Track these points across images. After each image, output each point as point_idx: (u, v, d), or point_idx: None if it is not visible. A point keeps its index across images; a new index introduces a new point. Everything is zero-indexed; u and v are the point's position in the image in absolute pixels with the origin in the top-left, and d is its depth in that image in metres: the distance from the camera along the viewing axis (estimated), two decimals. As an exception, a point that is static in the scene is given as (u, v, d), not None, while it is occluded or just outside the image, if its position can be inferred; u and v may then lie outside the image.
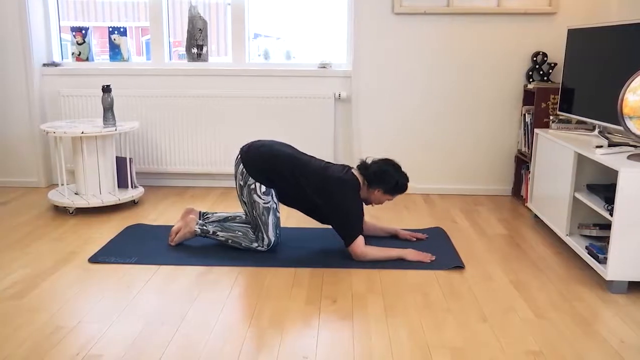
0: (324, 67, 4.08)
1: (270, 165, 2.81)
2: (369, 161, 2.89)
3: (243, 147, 2.92)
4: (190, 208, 3.05)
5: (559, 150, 3.07)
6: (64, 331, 2.10)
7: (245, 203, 2.85)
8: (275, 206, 2.84)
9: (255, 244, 2.87)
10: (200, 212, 3.13)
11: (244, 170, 2.82)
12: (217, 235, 2.91)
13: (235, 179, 2.88)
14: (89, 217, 3.48)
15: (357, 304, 2.35)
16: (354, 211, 2.77)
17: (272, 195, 2.82)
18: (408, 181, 2.89)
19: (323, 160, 2.94)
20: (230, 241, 2.90)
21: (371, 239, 3.05)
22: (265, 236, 2.85)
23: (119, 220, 3.40)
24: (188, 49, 4.17)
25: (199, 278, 2.60)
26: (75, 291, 2.45)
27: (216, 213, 3.15)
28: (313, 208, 2.86)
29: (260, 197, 2.80)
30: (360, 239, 2.75)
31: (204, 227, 2.93)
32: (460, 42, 3.92)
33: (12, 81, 4.11)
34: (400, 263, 2.76)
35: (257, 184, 2.80)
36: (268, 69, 4.09)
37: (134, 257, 2.82)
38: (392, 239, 3.11)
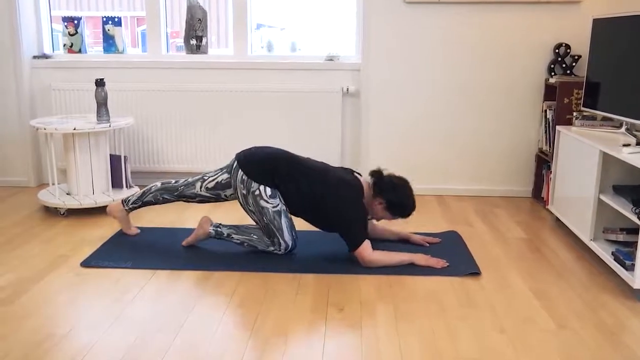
0: (332, 60, 4.08)
1: (270, 165, 2.83)
2: (385, 172, 2.93)
3: (239, 155, 2.94)
4: (206, 217, 3.05)
5: (583, 149, 3.06)
6: (56, 338, 2.12)
7: (252, 212, 2.86)
8: (285, 208, 2.86)
9: (271, 248, 2.90)
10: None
11: (244, 177, 2.83)
12: (232, 237, 2.95)
13: (236, 190, 2.88)
14: (81, 219, 3.50)
15: (366, 312, 2.36)
16: (357, 215, 2.78)
17: (279, 197, 2.84)
18: (414, 208, 2.92)
19: (322, 162, 2.98)
20: (246, 244, 2.94)
21: (380, 244, 3.05)
22: (281, 241, 2.87)
23: (113, 223, 3.42)
24: (186, 40, 4.19)
25: (197, 283, 2.61)
26: (67, 297, 2.47)
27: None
28: (316, 212, 2.86)
29: (267, 202, 2.81)
30: (367, 244, 2.76)
31: (218, 229, 2.96)
32: (477, 33, 3.91)
33: (0, 75, 4.14)
34: (412, 268, 2.77)
35: (262, 188, 2.81)
36: (272, 61, 4.10)
37: (128, 262, 2.84)
38: (403, 243, 3.12)
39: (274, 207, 2.82)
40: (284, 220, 2.85)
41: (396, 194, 2.87)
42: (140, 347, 2.08)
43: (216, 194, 2.98)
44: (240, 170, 2.86)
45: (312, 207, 2.85)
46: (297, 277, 2.70)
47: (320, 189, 2.80)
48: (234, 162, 2.92)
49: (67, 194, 3.68)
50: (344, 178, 2.85)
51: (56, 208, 3.58)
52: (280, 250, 2.90)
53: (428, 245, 3.10)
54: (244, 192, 2.84)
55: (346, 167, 3.05)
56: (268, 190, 2.82)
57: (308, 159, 2.96)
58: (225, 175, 2.94)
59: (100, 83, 3.58)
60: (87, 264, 2.81)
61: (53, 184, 3.77)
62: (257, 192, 2.81)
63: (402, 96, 4.03)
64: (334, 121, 4.06)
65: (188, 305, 2.40)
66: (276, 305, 2.41)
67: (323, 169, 2.88)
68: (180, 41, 4.36)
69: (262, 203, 2.81)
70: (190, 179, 3.04)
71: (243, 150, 2.97)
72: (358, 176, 2.94)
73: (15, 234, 3.24)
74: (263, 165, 2.84)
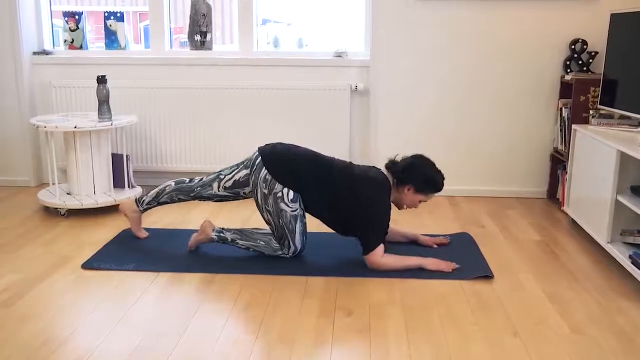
0: (340, 56, 4.08)
1: (295, 168, 2.82)
2: (398, 159, 2.92)
3: (263, 150, 2.90)
4: (207, 221, 3.04)
5: (600, 149, 3.05)
6: (56, 343, 2.13)
7: (269, 212, 2.85)
8: (302, 213, 2.86)
9: (279, 252, 2.91)
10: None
11: (267, 176, 2.82)
12: (237, 243, 2.94)
13: (256, 187, 2.86)
14: (82, 219, 3.52)
15: (375, 316, 2.36)
16: (381, 217, 2.78)
17: (299, 202, 2.84)
18: (443, 178, 2.87)
19: (346, 161, 2.97)
20: (252, 249, 2.94)
21: (389, 245, 3.05)
22: (292, 244, 2.87)
23: (115, 223, 3.43)
24: (190, 36, 4.20)
25: (201, 286, 2.62)
26: (68, 300, 2.48)
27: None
28: (337, 214, 2.86)
29: (287, 205, 2.81)
30: (380, 249, 2.76)
31: (221, 234, 2.95)
32: (490, 29, 3.90)
33: (-1, 71, 4.17)
34: (422, 272, 2.77)
35: (285, 190, 2.80)
36: (278, 58, 4.11)
37: (131, 264, 2.85)
38: (411, 244, 3.12)
39: (292, 211, 2.82)
40: (298, 225, 2.85)
41: (417, 174, 2.84)
42: (142, 352, 2.08)
43: (235, 193, 2.97)
44: (264, 169, 2.84)
45: (333, 210, 2.85)
46: (304, 279, 2.70)
47: (346, 193, 2.79)
48: (256, 157, 2.88)
49: (68, 194, 3.70)
50: (368, 174, 2.84)
51: (56, 208, 3.60)
52: (288, 254, 2.91)
53: (436, 246, 3.10)
54: (265, 191, 2.83)
55: (369, 165, 3.03)
56: (291, 193, 2.81)
57: (332, 158, 2.93)
58: (244, 172, 2.92)
59: (101, 80, 3.60)
60: (88, 265, 2.82)
61: (53, 184, 3.79)
62: (279, 195, 2.81)
63: (413, 94, 4.03)
64: (342, 119, 4.06)
65: (191, 309, 2.41)
66: (282, 308, 2.42)
67: (349, 169, 2.86)
68: (184, 37, 4.37)
69: (282, 206, 2.81)
70: (205, 179, 3.02)
71: (267, 145, 2.94)
72: (383, 172, 2.92)
73: (15, 235, 3.26)
74: (289, 167, 2.82)
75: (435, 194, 2.91)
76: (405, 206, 2.93)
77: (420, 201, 2.90)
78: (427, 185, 2.85)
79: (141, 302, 2.46)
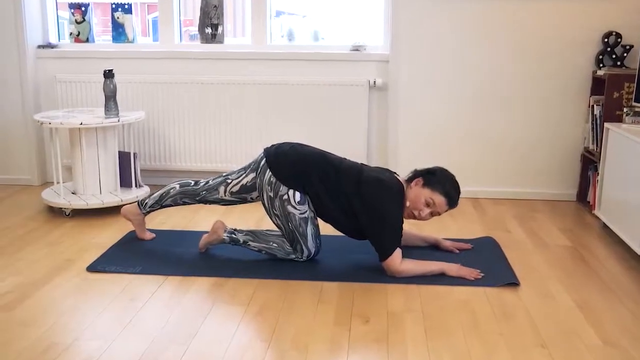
0: (357, 50, 4.08)
1: (302, 170, 2.83)
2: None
3: (268, 151, 2.93)
4: (220, 221, 3.04)
5: (634, 148, 3.02)
6: (59, 348, 2.15)
7: (277, 216, 2.86)
8: (312, 215, 2.87)
9: (292, 256, 2.91)
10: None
11: (272, 178, 2.83)
12: (249, 245, 2.96)
13: (262, 192, 2.88)
14: (87, 220, 3.54)
15: (393, 324, 2.35)
16: (393, 219, 2.77)
17: (308, 204, 2.84)
18: (458, 189, 2.85)
19: (357, 162, 2.96)
20: (264, 252, 2.95)
21: (408, 250, 3.04)
22: (304, 248, 2.88)
23: (121, 224, 3.45)
24: (201, 29, 4.22)
25: (211, 291, 2.63)
26: (72, 303, 2.50)
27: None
28: (348, 218, 2.86)
29: (295, 208, 2.82)
30: (397, 254, 2.75)
31: (233, 236, 2.97)
32: (518, 21, 3.88)
33: (3, 65, 4.21)
34: (443, 277, 2.75)
35: (291, 193, 2.81)
36: (292, 51, 4.11)
37: (138, 266, 2.87)
38: (432, 249, 3.11)
39: (301, 213, 2.82)
40: (309, 228, 2.86)
41: (432, 171, 2.85)
42: (150, 357, 2.09)
43: (242, 198, 2.99)
44: (268, 171, 2.85)
45: (343, 214, 2.85)
46: (319, 285, 2.70)
47: (353, 194, 2.79)
48: (261, 159, 2.91)
49: (73, 193, 3.73)
50: (377, 176, 2.82)
51: (61, 208, 3.63)
52: (301, 258, 2.91)
53: (458, 251, 3.08)
54: (271, 194, 2.84)
55: (383, 167, 3.03)
56: (297, 195, 2.81)
57: (343, 159, 2.94)
58: (251, 176, 2.93)
59: (108, 74, 3.63)
60: (93, 268, 2.84)
61: (58, 183, 3.82)
62: (285, 197, 2.81)
63: (434, 90, 4.01)
64: (360, 117, 4.06)
65: (201, 314, 2.41)
66: (296, 315, 2.42)
67: (358, 170, 2.86)
68: (194, 30, 4.39)
69: (290, 209, 2.82)
70: (211, 182, 3.03)
71: (273, 146, 2.95)
72: (397, 176, 2.93)
73: (18, 236, 3.29)
74: (294, 169, 2.83)
75: (444, 203, 2.81)
76: (408, 203, 2.82)
77: (426, 203, 2.79)
78: (437, 183, 2.81)
79: (148, 307, 2.47)
